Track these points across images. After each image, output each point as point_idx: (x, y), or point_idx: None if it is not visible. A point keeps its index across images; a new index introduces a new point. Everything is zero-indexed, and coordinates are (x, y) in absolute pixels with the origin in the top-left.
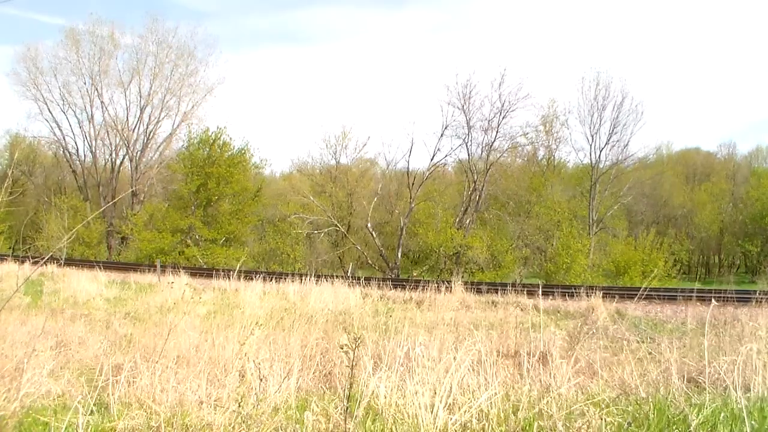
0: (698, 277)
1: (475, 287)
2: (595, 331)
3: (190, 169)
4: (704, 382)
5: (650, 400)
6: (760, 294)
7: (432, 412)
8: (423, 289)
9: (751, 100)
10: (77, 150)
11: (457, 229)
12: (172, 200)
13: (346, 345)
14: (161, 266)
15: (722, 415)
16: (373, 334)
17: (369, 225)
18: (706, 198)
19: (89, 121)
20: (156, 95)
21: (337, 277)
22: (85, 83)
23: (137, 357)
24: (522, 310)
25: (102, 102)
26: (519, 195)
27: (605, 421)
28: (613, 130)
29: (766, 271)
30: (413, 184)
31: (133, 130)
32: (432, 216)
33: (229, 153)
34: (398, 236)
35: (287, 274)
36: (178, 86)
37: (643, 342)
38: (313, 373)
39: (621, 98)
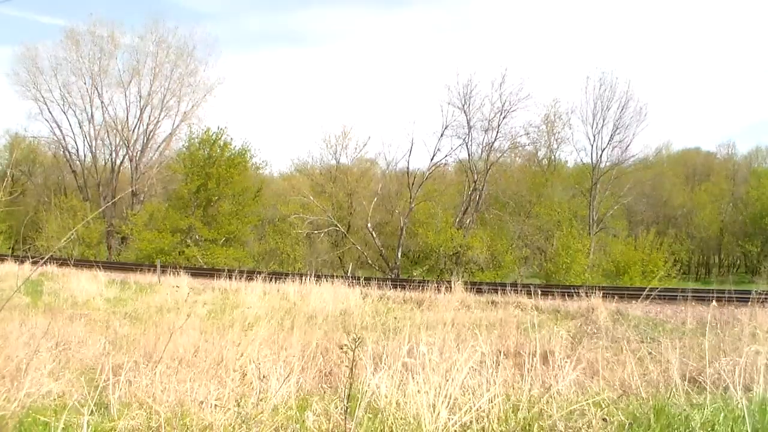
0: (698, 277)
1: (475, 287)
2: (596, 331)
3: (190, 170)
4: (705, 382)
5: (651, 400)
6: (756, 294)
7: (434, 412)
8: (423, 289)
9: (751, 101)
10: (77, 150)
11: (457, 229)
12: (172, 200)
13: (346, 345)
14: (161, 266)
15: (723, 415)
16: (373, 334)
17: (369, 225)
18: (706, 198)
19: (89, 121)
20: (156, 95)
21: (337, 277)
22: (85, 83)
23: (137, 357)
24: (522, 310)
25: (102, 102)
26: (519, 195)
27: (606, 420)
28: (615, 131)
29: (766, 271)
30: (413, 184)
31: (133, 130)
32: (432, 216)
33: (230, 153)
34: (398, 236)
35: (287, 274)
36: (178, 86)
37: (643, 342)
38: (314, 372)
39: (625, 99)
